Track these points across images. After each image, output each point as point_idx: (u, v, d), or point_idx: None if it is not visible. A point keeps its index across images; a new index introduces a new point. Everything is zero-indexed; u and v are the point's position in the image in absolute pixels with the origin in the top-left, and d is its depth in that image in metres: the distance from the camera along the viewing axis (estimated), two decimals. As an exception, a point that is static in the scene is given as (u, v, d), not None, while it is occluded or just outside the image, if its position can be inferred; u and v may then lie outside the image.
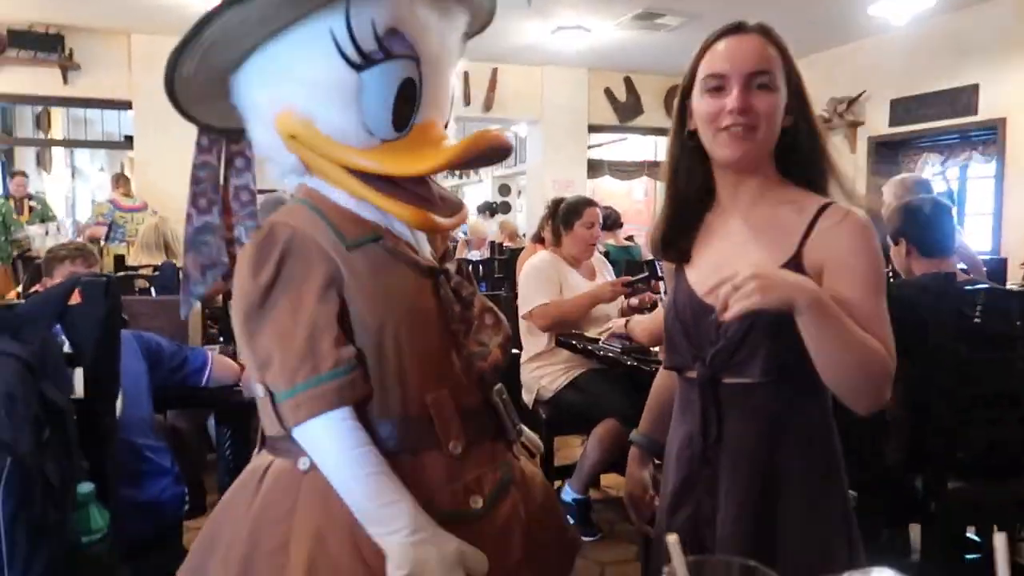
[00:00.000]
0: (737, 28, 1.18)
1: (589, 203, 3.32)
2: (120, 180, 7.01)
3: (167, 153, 6.72)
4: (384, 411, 0.97)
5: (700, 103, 1.18)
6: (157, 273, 3.28)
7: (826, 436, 1.19)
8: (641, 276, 3.20)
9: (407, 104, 1.01)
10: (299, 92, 1.00)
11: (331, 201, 1.04)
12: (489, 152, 0.98)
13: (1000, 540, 0.56)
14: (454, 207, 1.06)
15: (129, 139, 7.77)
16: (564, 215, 3.24)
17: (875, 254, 1.13)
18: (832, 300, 1.06)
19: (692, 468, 1.20)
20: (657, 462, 1.41)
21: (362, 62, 0.98)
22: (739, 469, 1.15)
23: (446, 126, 1.10)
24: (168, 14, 6.05)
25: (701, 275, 1.22)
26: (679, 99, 1.24)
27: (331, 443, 0.94)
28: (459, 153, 0.98)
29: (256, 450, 1.09)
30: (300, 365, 0.93)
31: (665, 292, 3.18)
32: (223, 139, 1.16)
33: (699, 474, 1.19)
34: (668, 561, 0.59)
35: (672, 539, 0.57)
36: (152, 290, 3.06)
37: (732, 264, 1.18)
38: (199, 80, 1.04)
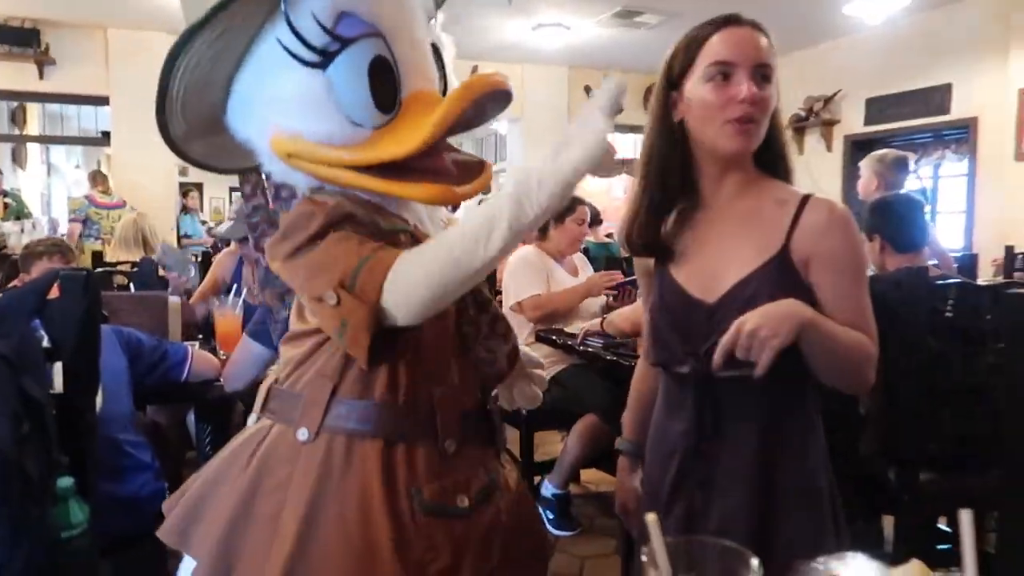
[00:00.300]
0: (735, 20, 1.19)
1: (581, 201, 3.40)
2: (98, 177, 6.93)
3: (145, 149, 6.67)
4: (390, 396, 0.96)
5: (701, 91, 1.17)
6: (136, 269, 3.26)
7: (816, 428, 1.22)
8: (628, 279, 3.23)
9: (386, 83, 0.96)
10: (276, 112, 0.97)
11: (360, 196, 1.00)
12: (486, 101, 0.93)
13: (965, 516, 0.58)
14: (474, 170, 0.99)
15: (106, 135, 7.70)
16: None
17: (860, 247, 1.19)
18: (819, 298, 1.12)
19: (686, 464, 1.21)
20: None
21: (321, 60, 0.93)
22: (736, 462, 1.17)
23: (445, 91, 1.04)
24: (145, 8, 6.00)
25: (689, 271, 1.23)
26: (663, 89, 1.23)
27: (430, 249, 0.87)
28: (449, 113, 0.91)
29: (254, 415, 1.06)
30: (362, 249, 0.89)
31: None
32: (261, 177, 1.13)
33: (693, 470, 1.20)
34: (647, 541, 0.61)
35: (651, 518, 0.59)
36: (131, 286, 3.04)
37: (722, 260, 1.19)
38: (199, 132, 1.02)
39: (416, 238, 1.00)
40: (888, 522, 2.36)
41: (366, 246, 0.90)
